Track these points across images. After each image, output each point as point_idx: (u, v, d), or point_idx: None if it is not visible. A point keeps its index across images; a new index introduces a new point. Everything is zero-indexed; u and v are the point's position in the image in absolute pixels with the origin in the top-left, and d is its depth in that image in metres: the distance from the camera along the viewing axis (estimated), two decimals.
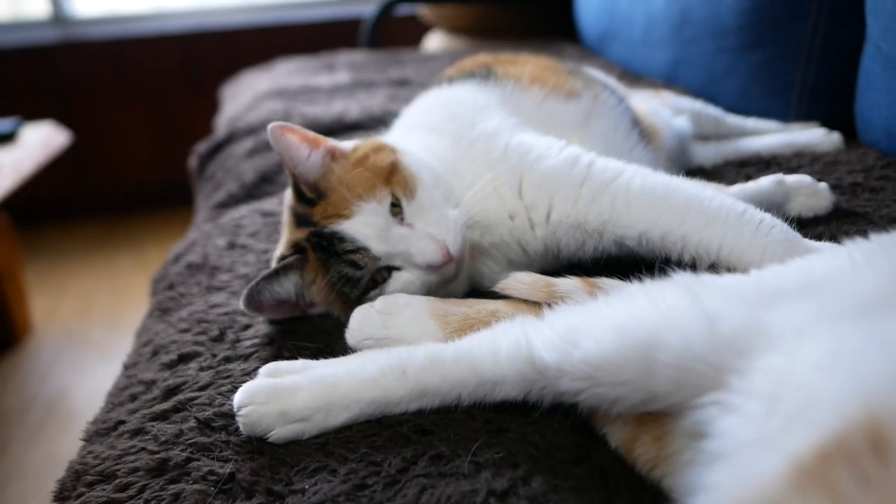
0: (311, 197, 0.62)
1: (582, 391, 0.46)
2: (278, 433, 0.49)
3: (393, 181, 0.60)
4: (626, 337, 0.44)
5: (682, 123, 1.02)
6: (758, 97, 1.23)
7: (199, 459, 0.46)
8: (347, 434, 0.49)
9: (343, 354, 0.55)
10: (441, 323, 0.56)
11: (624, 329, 0.44)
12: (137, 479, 0.46)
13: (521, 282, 0.55)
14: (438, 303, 0.58)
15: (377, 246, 0.59)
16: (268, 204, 0.94)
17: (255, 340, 0.60)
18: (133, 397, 0.57)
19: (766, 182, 0.73)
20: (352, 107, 1.35)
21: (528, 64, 0.84)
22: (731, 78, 1.27)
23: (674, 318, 0.43)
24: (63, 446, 1.58)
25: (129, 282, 2.31)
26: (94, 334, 2.03)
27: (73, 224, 2.79)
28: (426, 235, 0.58)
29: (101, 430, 0.54)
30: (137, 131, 2.81)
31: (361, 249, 0.59)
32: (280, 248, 0.65)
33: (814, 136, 1.07)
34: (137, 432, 0.51)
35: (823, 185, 0.77)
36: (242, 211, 0.93)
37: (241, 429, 0.50)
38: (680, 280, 0.48)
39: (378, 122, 1.26)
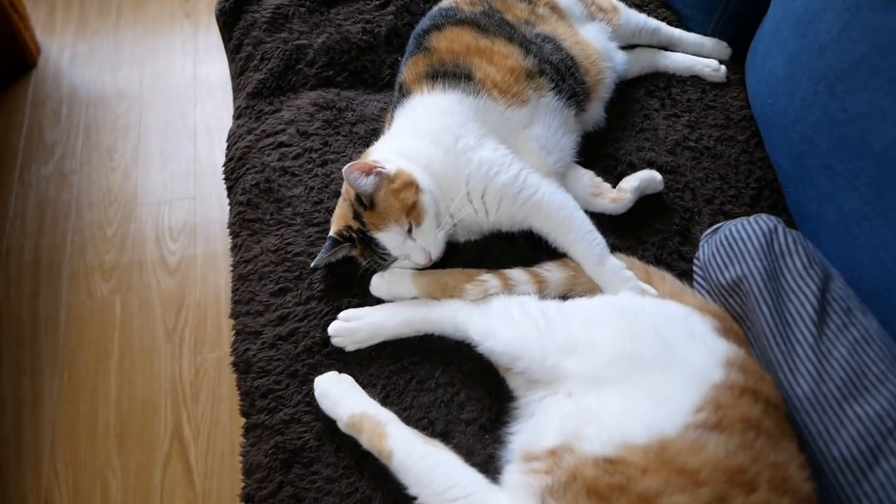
0: (365, 203, 1.04)
1: (484, 351, 1.01)
2: (349, 348, 1.04)
3: (412, 215, 1.02)
4: (508, 345, 0.96)
5: (621, 60, 1.36)
6: (692, 5, 1.49)
7: (312, 374, 1.01)
8: (383, 354, 1.04)
9: (372, 300, 1.07)
10: (417, 286, 1.06)
11: (507, 341, 0.97)
12: (284, 379, 1.01)
13: (470, 293, 1.04)
14: (418, 275, 1.07)
15: (396, 251, 1.04)
16: (297, 112, 1.29)
17: (322, 286, 1.10)
18: (259, 313, 1.08)
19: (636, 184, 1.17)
20: None
21: (499, 61, 1.15)
22: None
23: (529, 344, 0.95)
24: (125, 154, 2.06)
25: None
26: (103, 48, 2.29)
27: None
28: (421, 248, 1.04)
29: (247, 331, 1.08)
30: None
31: (387, 253, 1.05)
32: (336, 224, 1.08)
33: (708, 66, 1.43)
34: (273, 346, 1.04)
35: (659, 178, 1.21)
36: (279, 119, 1.28)
37: (333, 343, 1.04)
38: (542, 312, 0.98)
39: None
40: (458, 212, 1.09)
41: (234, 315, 1.13)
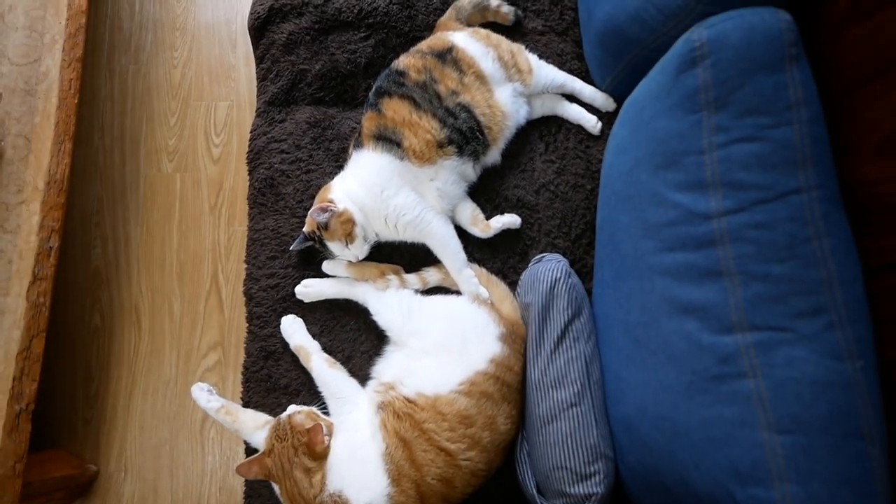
0: (323, 227, 1.77)
1: (375, 320, 1.83)
2: (306, 301, 1.87)
3: (348, 238, 1.76)
4: (385, 321, 1.78)
5: (525, 114, 1.95)
6: (596, 65, 2.00)
7: (284, 312, 1.84)
8: (324, 306, 1.86)
9: (322, 274, 1.86)
10: (349, 271, 1.85)
11: (386, 319, 1.78)
12: (269, 311, 1.85)
13: (378, 283, 1.82)
14: (350, 264, 1.85)
15: (338, 253, 1.81)
16: (296, 126, 1.94)
17: (295, 260, 1.87)
18: (259, 267, 1.88)
19: (499, 225, 1.87)
20: None
21: (421, 134, 1.77)
22: (591, 47, 2.00)
23: (395, 325, 1.76)
24: (182, 54, 2.67)
25: None
26: None
27: None
28: (353, 254, 1.80)
29: (252, 276, 1.89)
30: None
31: (333, 254, 1.81)
32: (307, 226, 1.82)
33: (589, 121, 2.00)
34: (265, 290, 1.86)
35: (519, 221, 1.89)
36: (283, 130, 1.94)
37: (297, 297, 1.86)
38: (409, 307, 1.77)
39: None
40: (381, 232, 1.83)
41: (247, 262, 1.93)
